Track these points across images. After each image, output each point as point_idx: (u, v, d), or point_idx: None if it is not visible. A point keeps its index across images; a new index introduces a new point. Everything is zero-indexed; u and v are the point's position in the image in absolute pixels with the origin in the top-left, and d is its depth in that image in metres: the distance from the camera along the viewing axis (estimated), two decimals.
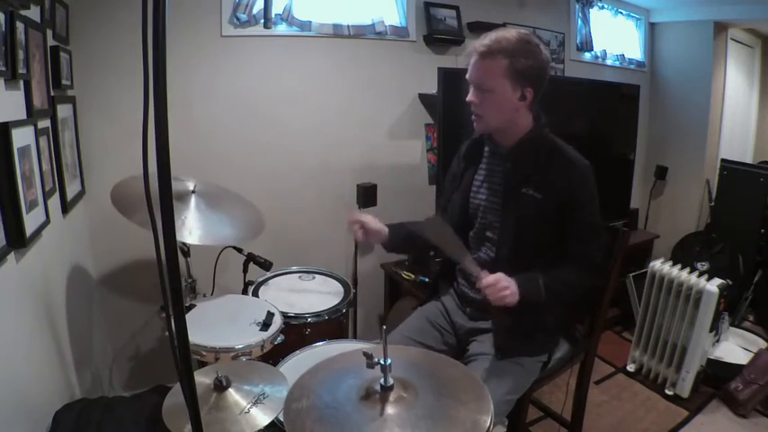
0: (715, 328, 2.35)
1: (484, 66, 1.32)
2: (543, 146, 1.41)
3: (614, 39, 3.52)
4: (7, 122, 1.20)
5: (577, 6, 3.20)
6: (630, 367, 2.63)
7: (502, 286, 1.26)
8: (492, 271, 1.45)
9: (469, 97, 1.38)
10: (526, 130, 1.40)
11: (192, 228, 1.56)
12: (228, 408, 1.12)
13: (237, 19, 2.13)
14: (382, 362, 0.92)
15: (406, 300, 2.46)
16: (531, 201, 1.37)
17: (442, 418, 0.89)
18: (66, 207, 1.70)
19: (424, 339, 1.53)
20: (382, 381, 0.93)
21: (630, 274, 2.97)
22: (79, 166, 1.91)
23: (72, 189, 1.78)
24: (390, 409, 0.90)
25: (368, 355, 0.93)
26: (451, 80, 2.25)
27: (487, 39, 1.32)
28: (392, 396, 0.92)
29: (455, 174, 1.61)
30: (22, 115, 1.35)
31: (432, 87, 2.45)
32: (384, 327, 0.94)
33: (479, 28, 2.63)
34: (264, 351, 1.51)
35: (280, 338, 1.56)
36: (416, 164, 2.76)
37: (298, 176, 2.42)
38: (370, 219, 1.52)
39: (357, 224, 1.51)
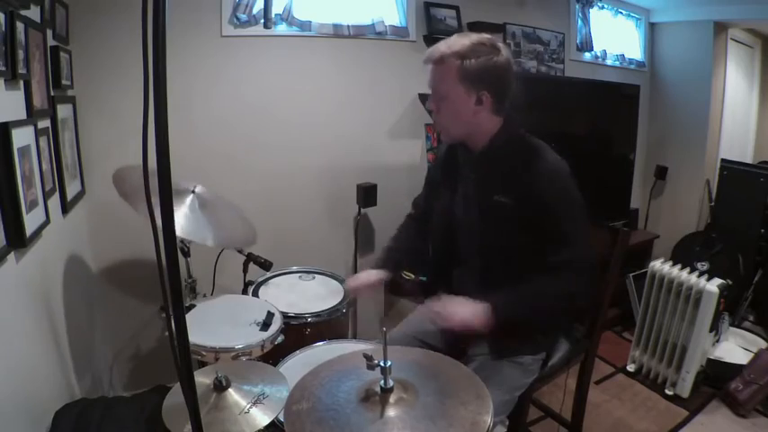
0: (715, 328, 2.35)
1: (437, 71, 1.29)
2: (514, 148, 1.34)
3: (614, 39, 3.52)
4: (7, 122, 1.20)
5: (577, 6, 3.20)
6: (630, 367, 2.63)
7: (448, 312, 1.26)
8: (481, 282, 1.42)
9: (428, 105, 1.36)
10: (492, 134, 1.35)
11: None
12: (228, 408, 1.12)
13: (237, 19, 2.13)
14: (382, 364, 0.92)
15: (405, 300, 2.47)
16: (504, 207, 1.31)
17: (443, 419, 0.88)
18: (66, 207, 1.70)
19: (424, 337, 1.53)
20: (382, 382, 0.93)
21: (630, 274, 2.97)
22: (79, 166, 1.91)
23: (72, 189, 1.78)
24: (390, 411, 0.90)
25: (368, 357, 0.93)
26: None
27: (442, 44, 1.28)
28: (392, 397, 0.92)
29: (435, 182, 1.58)
30: (22, 115, 1.35)
31: None
32: (384, 329, 0.94)
33: (479, 28, 2.63)
34: (264, 351, 1.50)
35: (280, 338, 1.56)
36: (416, 164, 2.75)
37: (298, 176, 2.42)
38: (362, 278, 1.56)
39: (354, 291, 1.58)
